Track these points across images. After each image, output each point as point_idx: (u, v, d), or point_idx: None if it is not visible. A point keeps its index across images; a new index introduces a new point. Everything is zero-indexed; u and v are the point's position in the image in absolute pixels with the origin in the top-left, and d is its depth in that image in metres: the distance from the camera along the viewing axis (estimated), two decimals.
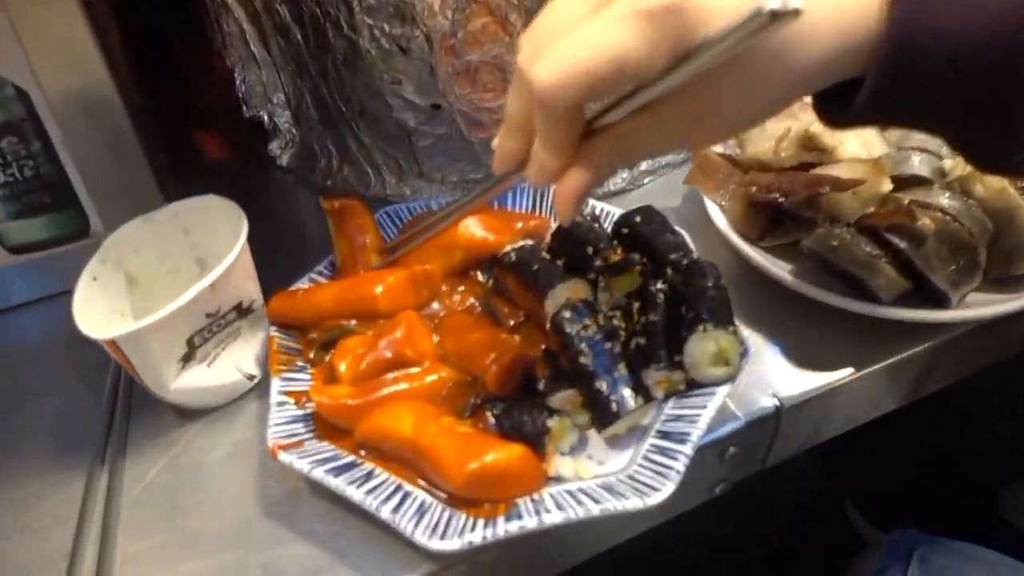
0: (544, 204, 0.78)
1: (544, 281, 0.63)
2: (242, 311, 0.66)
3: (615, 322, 0.63)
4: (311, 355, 0.66)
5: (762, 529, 1.48)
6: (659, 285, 0.64)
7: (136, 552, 0.59)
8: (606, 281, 0.63)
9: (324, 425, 0.61)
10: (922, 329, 0.69)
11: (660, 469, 0.55)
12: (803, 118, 0.80)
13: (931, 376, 0.74)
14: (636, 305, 0.63)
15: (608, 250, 0.64)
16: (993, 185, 0.69)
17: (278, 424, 0.60)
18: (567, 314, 0.59)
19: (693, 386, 0.61)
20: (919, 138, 0.75)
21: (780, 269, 0.70)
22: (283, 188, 0.94)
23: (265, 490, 0.62)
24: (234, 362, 0.67)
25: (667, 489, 0.53)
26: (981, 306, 0.68)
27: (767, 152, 0.76)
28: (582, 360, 0.58)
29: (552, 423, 0.56)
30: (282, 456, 0.57)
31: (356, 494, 0.55)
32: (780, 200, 0.73)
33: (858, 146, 0.73)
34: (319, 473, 0.56)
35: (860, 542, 1.37)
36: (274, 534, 0.59)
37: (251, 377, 0.68)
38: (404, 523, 0.53)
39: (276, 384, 0.63)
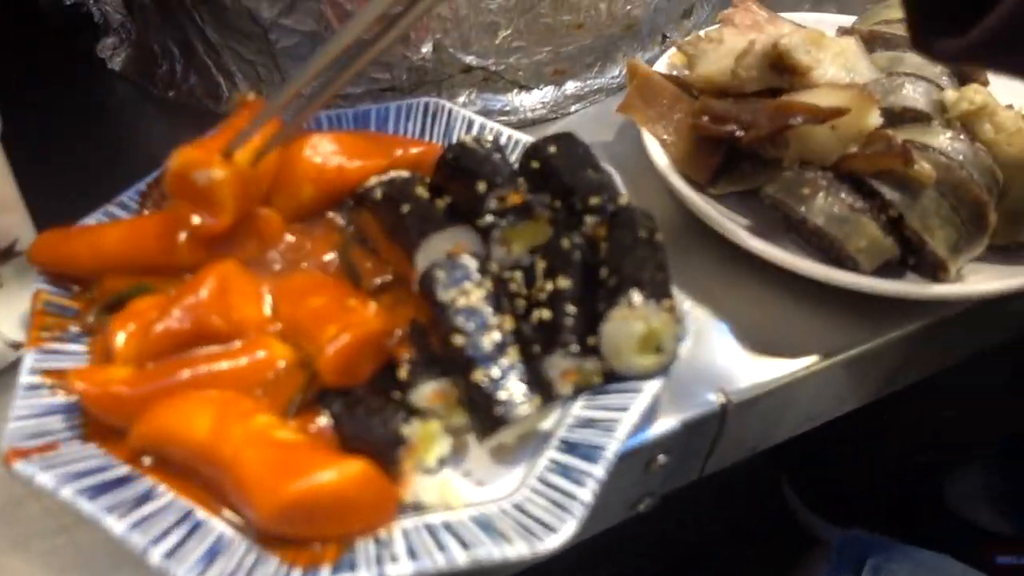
0: (437, 126, 0.60)
1: (415, 228, 0.45)
2: None
3: (512, 287, 0.46)
4: (89, 319, 0.47)
5: (697, 519, 1.35)
6: (575, 239, 0.47)
7: None
8: (503, 231, 0.46)
9: (95, 422, 0.43)
10: (906, 308, 0.54)
11: (559, 498, 0.39)
12: (770, 30, 0.63)
13: (909, 366, 0.60)
14: (542, 265, 0.47)
15: (508, 188, 0.47)
16: (1006, 125, 0.54)
17: (23, 417, 0.42)
18: (440, 274, 0.42)
19: (612, 378, 0.44)
20: (916, 62, 0.59)
21: (734, 224, 0.55)
22: (113, 97, 0.73)
23: (22, 511, 0.45)
24: None
25: (565, 529, 0.37)
26: (983, 279, 0.53)
27: (723, 72, 0.59)
28: (456, 340, 0.41)
29: (409, 430, 0.40)
30: (19, 467, 0.40)
31: (116, 526, 0.38)
32: (737, 134, 0.56)
33: (840, 68, 0.57)
34: (67, 493, 0.39)
35: (798, 529, 1.27)
36: (24, 573, 0.42)
37: (17, 345, 0.50)
38: (182, 574, 0.36)
39: (30, 359, 0.45)
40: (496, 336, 0.41)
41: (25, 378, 0.44)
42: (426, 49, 0.63)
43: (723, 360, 0.52)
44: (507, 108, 0.67)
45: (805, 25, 0.64)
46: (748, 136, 0.56)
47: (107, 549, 0.42)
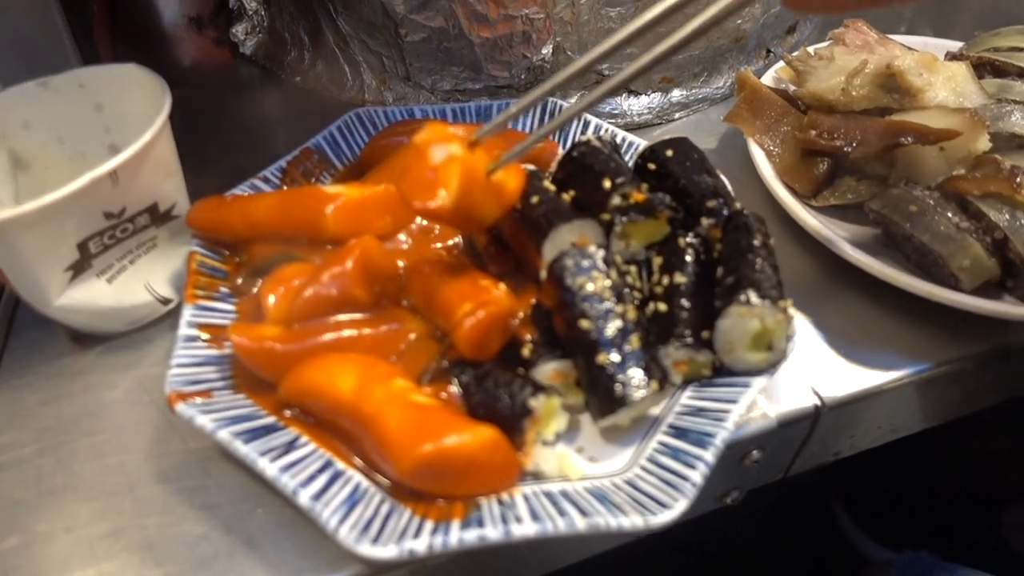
0: None
1: (545, 219, 0.48)
2: (158, 216, 0.52)
3: (629, 280, 0.49)
4: (239, 281, 0.52)
5: (744, 524, 1.36)
6: (689, 238, 0.50)
7: None
8: (624, 226, 0.49)
9: (244, 374, 0.48)
10: (999, 328, 0.56)
11: (670, 478, 0.42)
12: (880, 51, 0.65)
13: (993, 388, 0.61)
14: (659, 261, 0.50)
15: (630, 187, 0.50)
16: None
17: (183, 365, 0.47)
18: (569, 263, 0.45)
19: (721, 372, 0.47)
20: (1022, 90, 0.60)
21: (835, 235, 0.57)
22: (245, 80, 0.78)
23: (165, 447, 0.49)
24: (144, 279, 0.53)
25: (678, 507, 0.40)
26: None
27: (833, 89, 0.61)
28: (582, 324, 0.44)
29: (536, 402, 0.43)
30: (181, 409, 0.44)
31: (269, 468, 0.42)
32: (846, 149, 0.58)
33: (950, 92, 0.59)
34: (225, 435, 0.43)
35: (844, 546, 1.27)
36: (167, 503, 0.46)
37: (165, 301, 0.55)
38: (327, 515, 0.40)
39: (188, 313, 0.49)
40: (619, 323, 0.44)
41: (185, 330, 0.48)
42: (546, 51, 0.66)
43: (817, 364, 0.54)
44: (616, 111, 0.70)
45: (915, 48, 0.66)
46: (857, 152, 0.58)
47: (244, 492, 0.46)
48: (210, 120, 0.72)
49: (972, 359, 0.55)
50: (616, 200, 0.49)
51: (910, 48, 0.65)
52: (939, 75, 0.59)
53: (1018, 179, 0.52)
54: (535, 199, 0.50)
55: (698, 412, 0.45)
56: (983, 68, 0.64)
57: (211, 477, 0.48)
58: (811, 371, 0.54)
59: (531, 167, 0.54)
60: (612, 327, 0.44)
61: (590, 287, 0.44)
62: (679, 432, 0.45)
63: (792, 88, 0.68)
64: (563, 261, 0.45)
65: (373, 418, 0.43)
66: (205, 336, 0.49)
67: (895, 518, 1.27)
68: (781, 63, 0.70)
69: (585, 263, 0.45)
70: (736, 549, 1.33)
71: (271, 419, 0.45)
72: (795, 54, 0.68)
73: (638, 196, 0.49)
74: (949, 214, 0.53)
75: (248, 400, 0.46)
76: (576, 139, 0.62)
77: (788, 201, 0.59)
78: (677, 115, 0.73)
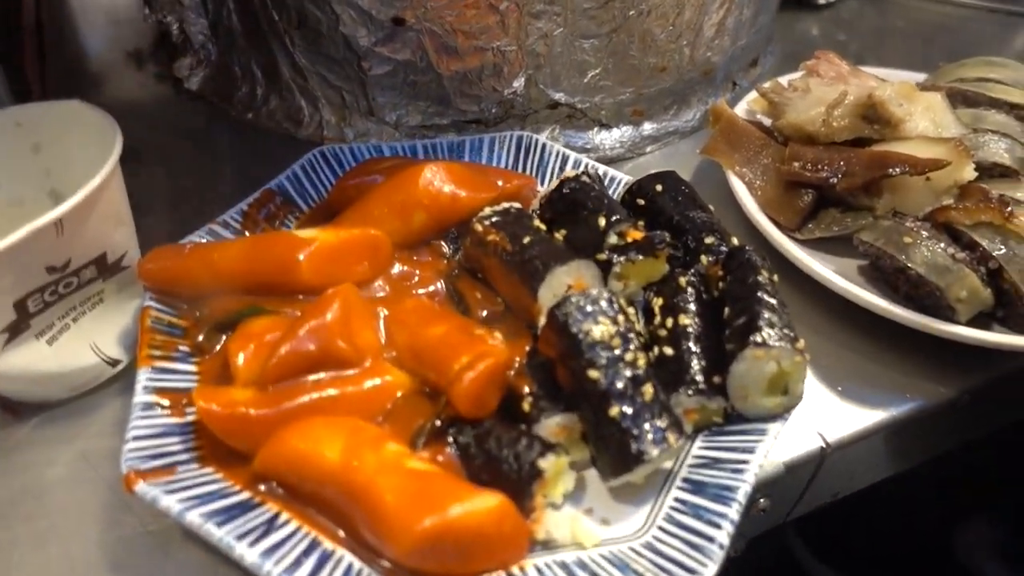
0: (530, 160, 0.60)
1: (539, 260, 0.45)
2: (106, 268, 0.47)
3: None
4: (199, 339, 0.47)
5: None
6: (690, 277, 0.47)
7: None
8: (623, 266, 0.46)
9: (211, 444, 0.42)
10: (992, 359, 0.55)
11: (695, 540, 0.39)
12: (853, 82, 0.64)
13: (989, 415, 0.60)
14: (659, 302, 0.47)
15: (626, 224, 0.47)
16: None
17: (141, 438, 0.41)
18: (572, 308, 0.42)
19: (731, 418, 0.44)
20: (998, 120, 0.60)
21: (826, 270, 0.55)
22: (191, 118, 0.73)
23: (119, 529, 0.44)
24: (89, 339, 0.48)
25: (707, 572, 0.37)
26: None
27: (814, 120, 0.60)
28: (591, 375, 0.41)
29: (546, 463, 0.39)
30: (141, 489, 0.39)
31: (248, 554, 0.37)
32: (832, 181, 0.57)
33: (929, 122, 0.58)
34: (195, 518, 0.38)
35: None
36: None
37: (114, 362, 0.49)
38: None
39: (143, 378, 0.44)
40: (629, 372, 0.41)
41: (140, 397, 0.43)
42: (518, 84, 0.63)
43: (817, 404, 0.52)
44: (588, 145, 0.68)
45: (886, 79, 0.65)
46: (843, 183, 0.57)
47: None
48: (154, 163, 0.66)
49: (968, 391, 0.54)
50: (613, 238, 0.47)
51: (881, 79, 0.65)
52: (918, 105, 0.59)
53: (1008, 208, 0.52)
54: (526, 239, 0.47)
55: (714, 463, 0.42)
56: (955, 98, 0.64)
57: (173, 563, 0.42)
58: (812, 411, 0.51)
59: (516, 205, 0.51)
60: (623, 376, 0.41)
61: (596, 333, 0.41)
62: (696, 487, 0.42)
63: (763, 119, 0.67)
64: (566, 307, 0.42)
65: (365, 490, 0.38)
66: (164, 403, 0.43)
67: (848, 544, 1.26)
68: (752, 94, 0.69)
69: (589, 307, 0.42)
70: None
71: (245, 495, 0.41)
72: (766, 85, 0.67)
73: (635, 234, 0.47)
74: (943, 245, 0.52)
75: (218, 474, 0.41)
76: (555, 174, 0.59)
77: (775, 235, 0.57)
78: (648, 148, 0.71)
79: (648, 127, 0.71)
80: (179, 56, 0.75)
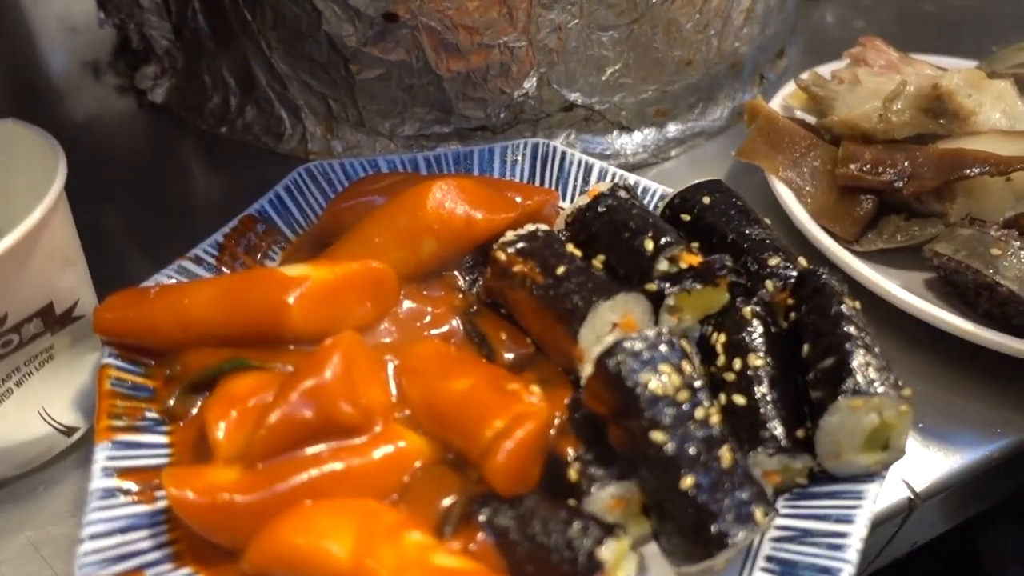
0: (548, 170, 0.52)
1: (578, 296, 0.37)
2: (54, 320, 0.39)
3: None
4: (170, 402, 0.39)
5: None
6: (754, 307, 0.40)
7: None
8: (677, 297, 0.39)
9: (189, 539, 0.34)
10: None
11: None
12: (907, 71, 0.57)
13: None
14: (721, 339, 0.39)
15: (679, 247, 0.39)
16: None
17: (100, 535, 0.33)
18: (626, 355, 0.34)
19: (817, 478, 0.37)
20: None
21: (897, 287, 0.48)
22: (156, 134, 0.65)
23: None
24: (37, 405, 0.41)
25: None
26: None
27: (869, 116, 0.53)
28: (655, 437, 0.33)
29: (607, 552, 0.31)
30: None
31: None
32: (897, 184, 0.50)
33: (1001, 114, 0.51)
34: None
35: None
36: None
37: (68, 431, 0.41)
38: None
39: (102, 456, 0.36)
40: (702, 432, 0.33)
41: (99, 481, 0.35)
42: (529, 84, 0.56)
43: None
44: (608, 151, 0.61)
45: (938, 66, 0.58)
46: (911, 187, 0.49)
47: None
48: (114, 188, 0.58)
49: None
50: (663, 265, 0.39)
51: (938, 67, 0.58)
52: (987, 95, 0.52)
53: None
54: (560, 269, 0.39)
55: (803, 536, 0.35)
56: (1019, 86, 0.57)
57: None
58: None
59: (543, 227, 0.43)
60: (694, 438, 0.33)
61: (658, 386, 0.33)
62: (785, 568, 0.34)
63: (804, 116, 0.60)
64: (617, 354, 0.34)
65: None
66: (129, 487, 0.35)
67: None
68: (787, 88, 0.62)
69: (647, 353, 0.34)
70: None
71: None
72: (804, 76, 0.60)
73: (691, 258, 0.39)
74: None
75: None
76: (578, 186, 0.52)
77: (832, 248, 0.50)
78: (673, 152, 0.63)
79: (672, 128, 0.63)
80: (141, 65, 0.67)
